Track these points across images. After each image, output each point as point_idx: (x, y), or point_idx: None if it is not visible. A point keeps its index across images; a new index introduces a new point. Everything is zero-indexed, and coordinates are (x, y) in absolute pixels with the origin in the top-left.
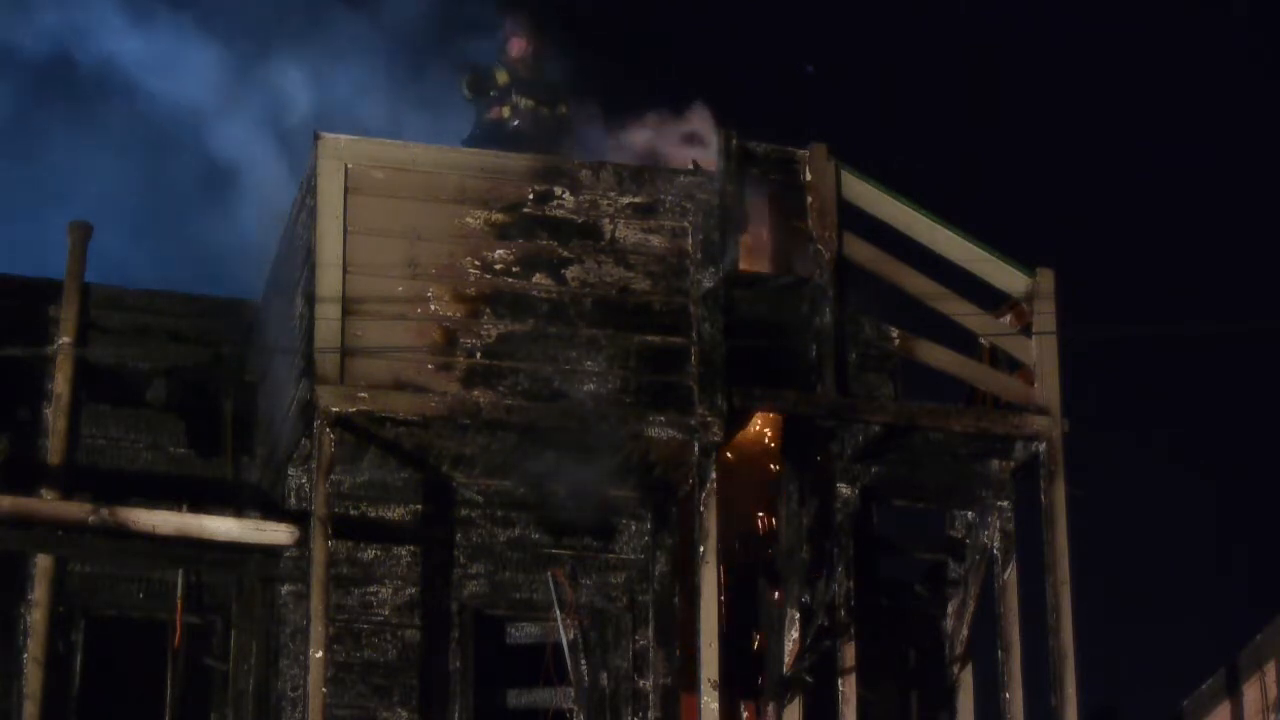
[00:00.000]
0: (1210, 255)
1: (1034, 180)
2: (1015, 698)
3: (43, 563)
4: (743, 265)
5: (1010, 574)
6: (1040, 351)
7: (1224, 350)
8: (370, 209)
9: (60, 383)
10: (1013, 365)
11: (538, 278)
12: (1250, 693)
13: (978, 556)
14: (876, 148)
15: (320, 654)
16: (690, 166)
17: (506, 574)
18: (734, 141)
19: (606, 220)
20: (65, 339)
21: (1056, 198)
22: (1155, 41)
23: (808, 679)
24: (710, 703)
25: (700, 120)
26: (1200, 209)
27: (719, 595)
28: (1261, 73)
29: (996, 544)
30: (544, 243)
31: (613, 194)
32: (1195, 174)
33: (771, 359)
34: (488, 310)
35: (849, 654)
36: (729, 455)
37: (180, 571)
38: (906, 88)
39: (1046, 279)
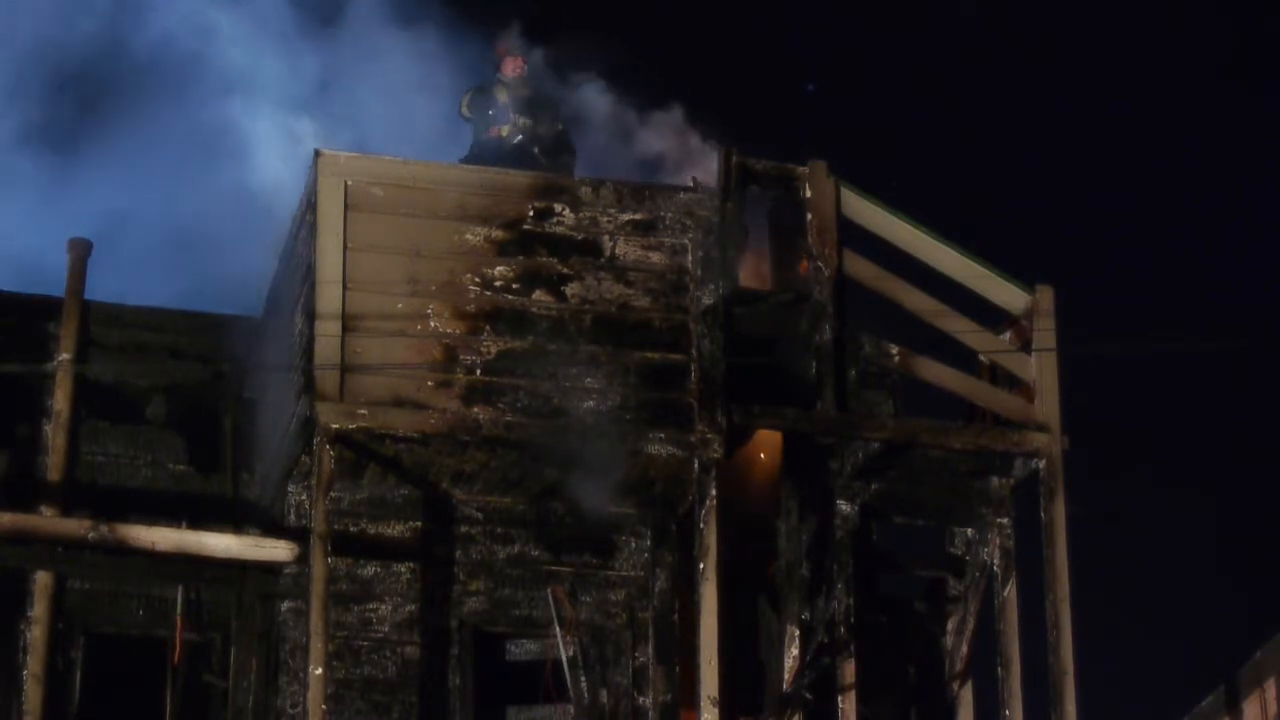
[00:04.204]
0: (1210, 265)
1: (1034, 195)
2: (1015, 715)
3: (42, 579)
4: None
5: (1010, 591)
6: (1040, 368)
7: (1224, 363)
8: (370, 226)
9: (60, 400)
10: (1012, 382)
11: (538, 294)
12: (1250, 709)
13: (978, 573)
14: (875, 163)
15: (320, 671)
16: (690, 183)
17: (506, 591)
18: (733, 158)
19: (606, 237)
20: (65, 356)
21: (1056, 214)
22: (1154, 53)
23: (807, 696)
24: None
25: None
26: (1200, 218)
27: (719, 612)
28: (1262, 80)
29: (996, 561)
30: (544, 259)
31: (613, 211)
32: (1195, 183)
33: (771, 376)
34: (487, 327)
35: (849, 671)
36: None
37: (179, 588)
38: (906, 102)
39: (1046, 296)
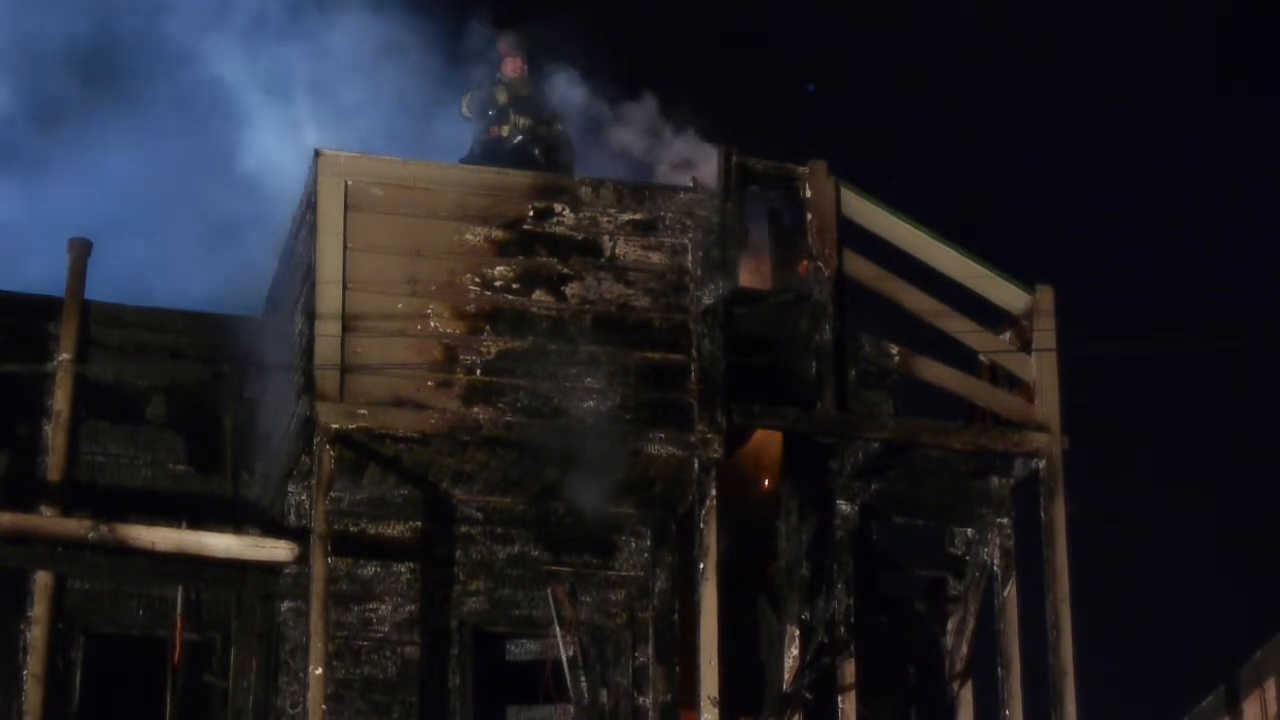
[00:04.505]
0: (1210, 265)
1: (1033, 195)
2: (1015, 715)
3: (42, 579)
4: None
5: (1010, 591)
6: (1040, 368)
7: (1224, 363)
8: (370, 226)
9: (60, 400)
10: (1012, 382)
11: (538, 294)
12: (1250, 709)
13: (978, 573)
14: (874, 163)
15: (320, 671)
16: (690, 183)
17: (506, 591)
18: (733, 158)
19: (606, 237)
20: (65, 356)
21: (1056, 214)
22: (1154, 53)
23: (807, 696)
24: None
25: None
26: (1200, 218)
27: (719, 612)
28: (1262, 80)
29: (996, 561)
30: (544, 260)
31: (613, 211)
32: (1195, 183)
33: (771, 376)
34: (487, 327)
35: (849, 671)
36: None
37: (180, 588)
38: (905, 102)
39: (1046, 296)
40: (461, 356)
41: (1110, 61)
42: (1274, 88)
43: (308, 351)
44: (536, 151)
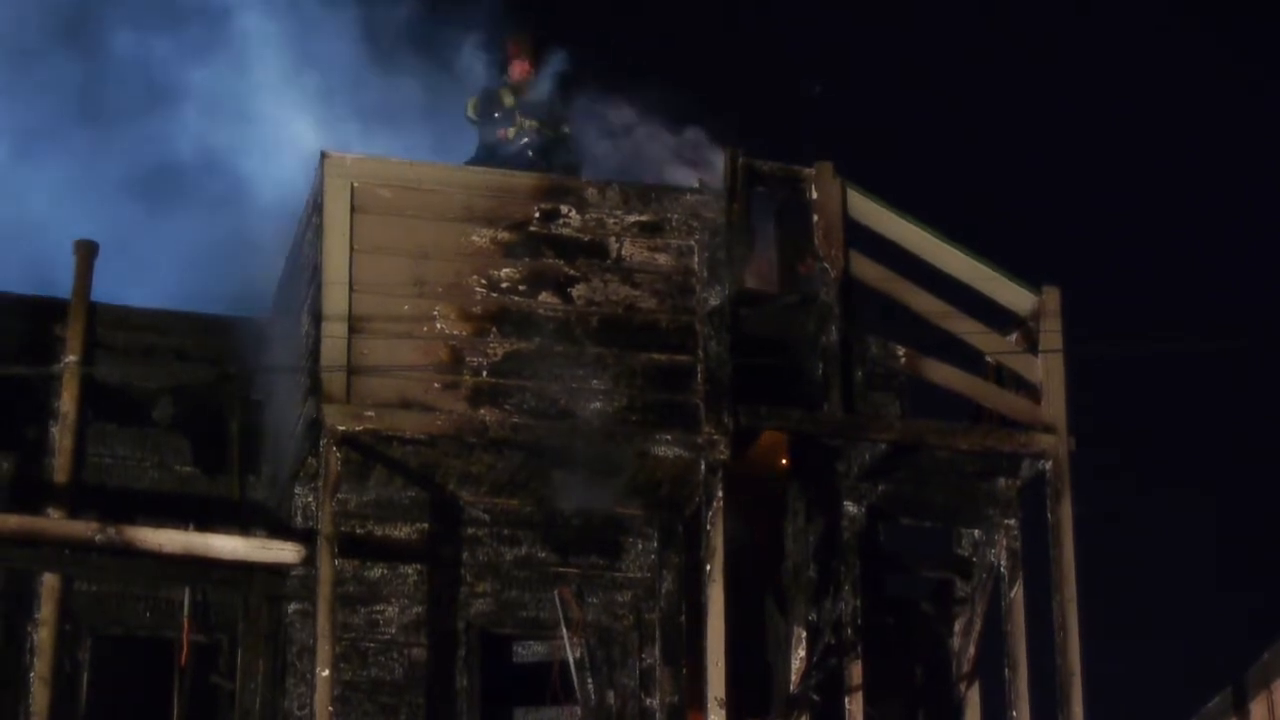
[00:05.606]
0: (1210, 265)
1: (1036, 196)
2: (1022, 715)
3: (50, 581)
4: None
5: (1017, 592)
6: (1046, 369)
7: (1224, 363)
8: (377, 227)
9: (67, 401)
10: (1019, 383)
11: (544, 296)
12: (1257, 711)
13: (985, 575)
14: (877, 164)
15: (327, 672)
16: (696, 184)
17: (513, 592)
18: (739, 159)
19: (613, 239)
20: (71, 358)
21: (1058, 214)
22: (1156, 53)
23: (814, 697)
24: None
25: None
26: (1201, 219)
27: (725, 613)
28: (1262, 80)
29: (1003, 562)
30: (550, 261)
31: (619, 212)
32: (1197, 184)
33: (778, 377)
34: (494, 329)
35: (855, 672)
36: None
37: (186, 590)
38: (908, 103)
39: (1052, 297)
40: (468, 358)
41: (1113, 61)
42: (1274, 88)
43: (314, 353)
44: (532, 154)
